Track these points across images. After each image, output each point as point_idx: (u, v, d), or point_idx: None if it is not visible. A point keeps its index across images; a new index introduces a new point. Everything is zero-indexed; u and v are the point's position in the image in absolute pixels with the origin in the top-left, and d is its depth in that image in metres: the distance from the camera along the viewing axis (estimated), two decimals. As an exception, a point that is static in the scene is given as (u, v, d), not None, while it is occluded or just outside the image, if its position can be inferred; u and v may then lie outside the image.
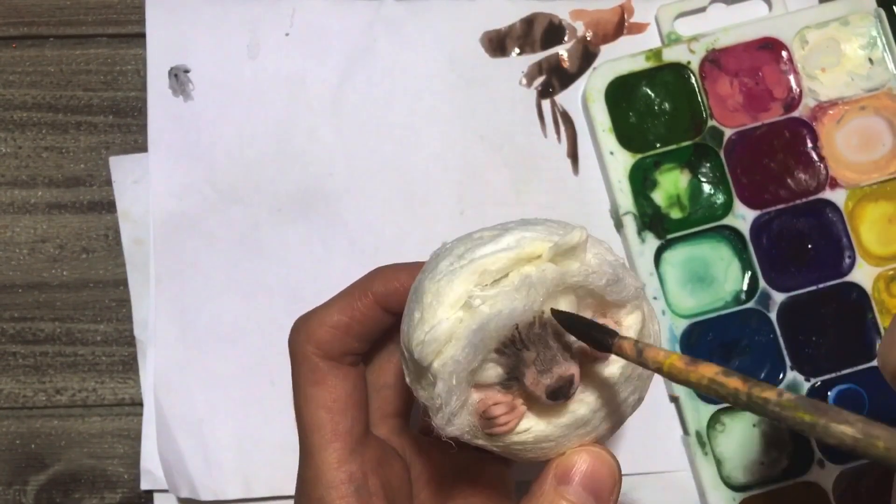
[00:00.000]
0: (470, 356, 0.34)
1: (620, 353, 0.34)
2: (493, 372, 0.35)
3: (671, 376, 0.32)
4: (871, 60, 0.58)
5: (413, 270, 0.41)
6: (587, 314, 0.36)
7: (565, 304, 0.35)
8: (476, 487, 0.46)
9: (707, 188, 0.57)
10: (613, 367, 0.37)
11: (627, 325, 0.37)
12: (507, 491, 0.47)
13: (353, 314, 0.43)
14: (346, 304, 0.43)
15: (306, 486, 0.42)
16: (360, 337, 0.43)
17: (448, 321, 0.34)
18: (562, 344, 0.35)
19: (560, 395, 0.35)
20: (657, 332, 0.39)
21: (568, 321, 0.34)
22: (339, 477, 0.41)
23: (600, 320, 0.36)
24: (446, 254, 0.37)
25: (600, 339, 0.34)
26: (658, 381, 0.56)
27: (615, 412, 0.38)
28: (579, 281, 0.35)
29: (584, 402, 0.37)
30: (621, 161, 0.57)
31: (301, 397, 0.43)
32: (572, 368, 0.35)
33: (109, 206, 0.58)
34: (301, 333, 0.43)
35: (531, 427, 0.37)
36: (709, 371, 0.30)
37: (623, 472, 0.55)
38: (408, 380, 0.38)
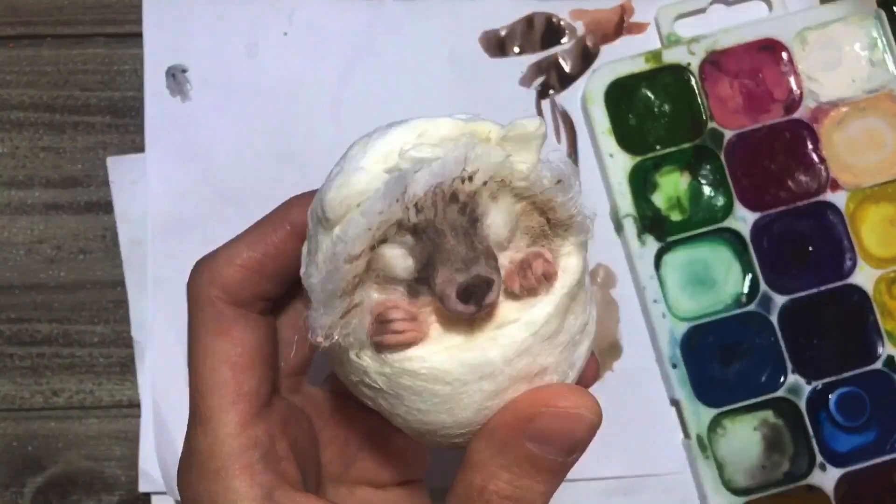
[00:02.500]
0: (382, 207, 0.29)
1: None
2: (403, 262, 0.30)
3: None
4: (871, 61, 0.58)
5: None
6: (523, 241, 0.32)
7: (505, 211, 0.30)
8: (385, 457, 0.40)
9: (707, 190, 0.57)
10: (539, 309, 0.31)
11: (564, 266, 0.32)
12: (419, 465, 0.42)
13: (267, 249, 0.36)
14: (258, 238, 0.37)
15: (200, 456, 0.35)
16: (274, 277, 0.37)
17: (368, 172, 0.30)
18: (489, 252, 0.30)
19: (472, 298, 0.29)
20: (594, 318, 0.34)
21: None
22: (242, 443, 0.35)
23: (534, 250, 0.31)
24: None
25: None
26: (659, 384, 0.56)
27: (529, 379, 0.32)
28: (525, 180, 0.30)
29: (496, 343, 0.31)
30: (621, 163, 0.56)
31: (199, 350, 0.36)
32: (495, 277, 0.30)
33: (107, 207, 0.58)
34: (203, 274, 0.37)
35: (429, 355, 0.31)
36: None
37: (623, 475, 0.56)
38: (302, 269, 0.32)
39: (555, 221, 0.31)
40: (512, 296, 0.31)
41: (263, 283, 0.37)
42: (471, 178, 0.29)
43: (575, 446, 0.32)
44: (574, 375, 0.33)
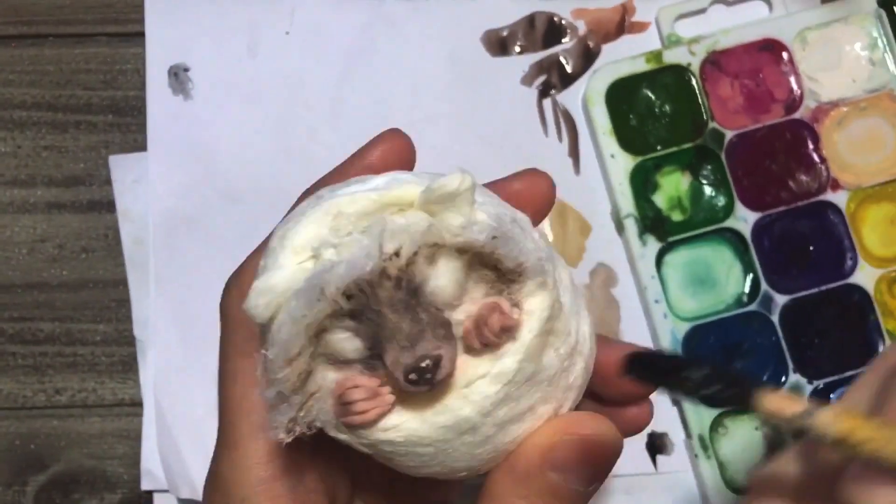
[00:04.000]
0: (304, 311, 0.27)
1: (768, 411, 0.25)
2: (351, 345, 0.29)
3: (862, 449, 0.23)
4: (872, 61, 0.58)
5: (343, 168, 0.35)
6: (479, 291, 0.30)
7: (447, 270, 0.29)
8: (413, 488, 0.38)
9: (708, 190, 0.57)
10: (508, 359, 0.29)
11: (529, 309, 0.30)
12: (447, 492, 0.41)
13: None
14: None
15: (225, 483, 0.34)
16: None
17: (288, 269, 0.28)
18: (437, 319, 0.28)
19: (421, 379, 0.27)
20: (585, 335, 0.32)
21: (653, 367, 0.28)
22: (271, 473, 0.33)
23: (491, 300, 0.29)
24: (312, 196, 0.30)
25: (741, 390, 0.26)
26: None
27: (520, 420, 0.30)
28: (459, 239, 0.28)
29: (468, 400, 0.29)
30: (622, 164, 0.57)
31: (229, 372, 0.35)
32: (444, 349, 0.28)
33: (109, 206, 0.58)
34: (233, 293, 0.35)
35: (401, 424, 0.30)
36: None
37: (625, 473, 0.56)
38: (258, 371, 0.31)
39: (505, 271, 0.29)
40: (474, 353, 0.30)
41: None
42: (397, 254, 0.27)
43: (596, 475, 0.31)
44: (574, 396, 0.32)
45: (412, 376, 0.27)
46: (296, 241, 0.28)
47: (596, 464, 0.31)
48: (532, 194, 0.34)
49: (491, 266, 0.29)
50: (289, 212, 0.31)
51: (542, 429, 0.31)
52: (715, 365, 0.25)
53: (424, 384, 0.28)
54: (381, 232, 0.27)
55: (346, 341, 0.28)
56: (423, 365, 0.27)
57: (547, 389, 0.30)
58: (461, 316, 0.29)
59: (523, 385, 0.30)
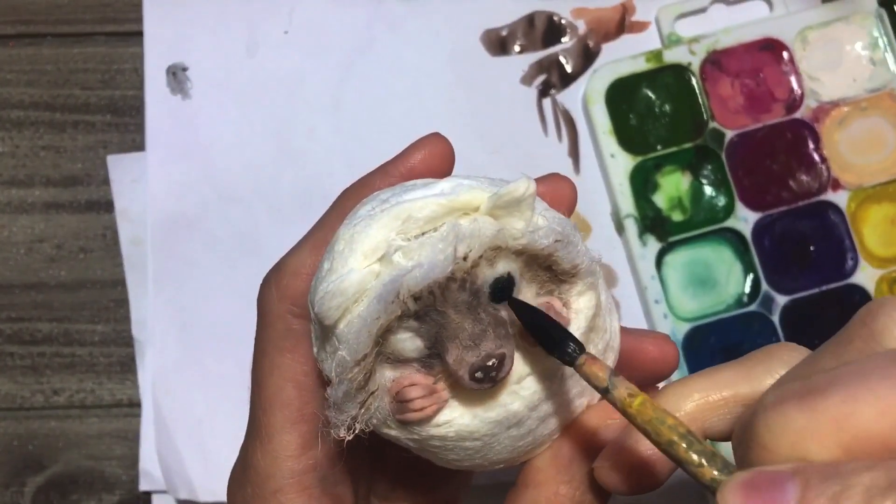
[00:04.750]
0: (378, 313, 0.28)
1: (583, 375, 0.28)
2: (412, 344, 0.30)
3: (638, 419, 0.27)
4: (872, 61, 0.58)
5: (387, 168, 0.35)
6: (531, 290, 0.31)
7: (502, 274, 0.30)
8: (424, 480, 0.39)
9: (708, 190, 0.57)
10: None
11: (577, 308, 0.31)
12: (459, 486, 0.41)
13: None
14: (321, 241, 0.34)
15: (257, 475, 0.35)
16: None
17: (359, 272, 0.29)
18: (496, 319, 0.29)
19: (486, 377, 0.29)
20: (615, 331, 0.34)
21: (527, 316, 0.29)
22: (303, 466, 0.34)
23: (544, 299, 0.31)
24: (371, 199, 0.31)
25: (563, 349, 0.29)
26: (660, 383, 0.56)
27: (558, 412, 0.32)
28: (521, 242, 0.29)
29: (518, 396, 0.31)
30: (622, 164, 0.56)
31: (265, 365, 0.35)
32: (505, 347, 0.29)
33: (107, 206, 0.58)
34: (272, 288, 0.35)
35: (453, 419, 0.31)
36: (682, 425, 0.27)
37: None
38: (314, 349, 0.32)
39: (559, 272, 0.31)
40: (526, 348, 0.31)
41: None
42: (465, 258, 0.28)
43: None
44: None
45: (478, 374, 0.29)
46: (365, 245, 0.29)
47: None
48: (559, 197, 0.35)
49: (545, 267, 0.30)
50: (348, 215, 0.31)
51: (584, 418, 0.33)
52: (556, 330, 0.29)
53: (489, 382, 0.29)
54: (456, 236, 0.28)
55: (408, 341, 0.29)
56: (490, 364, 0.29)
57: (584, 384, 0.31)
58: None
59: (566, 381, 0.31)
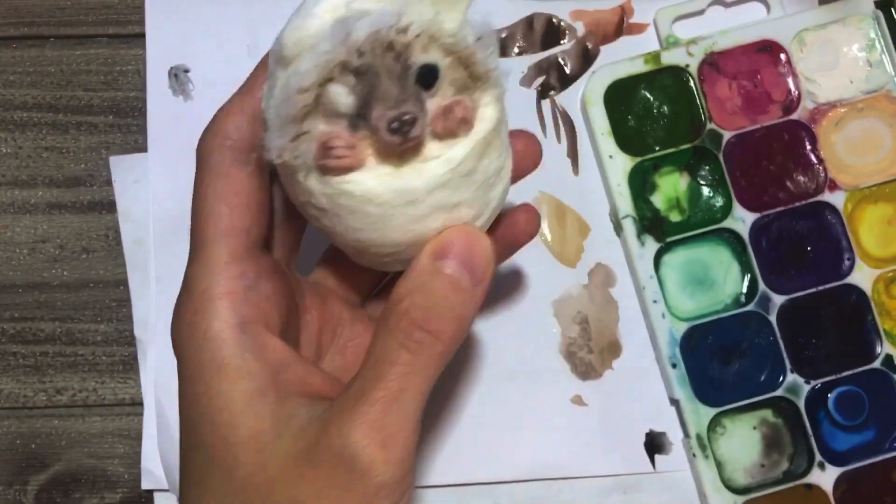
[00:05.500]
0: (328, 49, 0.33)
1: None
2: (346, 99, 0.34)
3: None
4: (869, 62, 0.58)
5: None
6: (450, 90, 0.36)
7: (430, 61, 0.35)
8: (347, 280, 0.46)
9: (706, 191, 0.57)
10: (458, 149, 0.36)
11: (482, 116, 0.36)
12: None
13: (261, 94, 0.38)
14: (248, 89, 0.39)
15: (191, 281, 0.38)
16: None
17: (321, 19, 0.34)
18: (418, 96, 0.35)
19: (400, 129, 0.34)
20: (508, 169, 0.39)
21: None
22: (231, 271, 0.37)
23: (457, 97, 0.36)
24: None
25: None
26: (659, 383, 0.56)
27: (449, 209, 0.37)
28: (452, 36, 0.34)
29: (420, 175, 0.36)
30: (620, 164, 0.57)
31: (200, 191, 0.39)
32: (421, 117, 0.34)
33: (110, 206, 0.58)
34: (208, 133, 0.39)
35: (363, 180, 0.35)
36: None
37: (623, 472, 0.56)
38: (263, 102, 0.36)
39: (475, 74, 0.36)
40: (436, 137, 0.36)
41: (259, 128, 0.38)
42: (405, 31, 0.33)
43: (477, 270, 0.37)
44: (489, 214, 0.39)
45: (394, 125, 0.34)
46: (331, 1, 0.34)
47: (476, 256, 0.37)
48: (528, 153, 0.44)
49: (465, 67, 0.35)
50: None
51: (439, 236, 0.37)
52: None
53: (401, 136, 0.34)
54: (405, 1, 0.34)
55: (342, 95, 0.34)
56: (406, 118, 0.34)
57: (474, 194, 0.37)
58: (431, 106, 0.36)
59: (462, 178, 0.36)
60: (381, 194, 0.35)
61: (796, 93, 0.58)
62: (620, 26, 0.59)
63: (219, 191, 0.38)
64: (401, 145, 0.35)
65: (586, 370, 0.57)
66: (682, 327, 0.56)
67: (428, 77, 0.35)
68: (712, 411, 0.55)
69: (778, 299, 0.56)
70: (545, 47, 0.59)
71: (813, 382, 0.56)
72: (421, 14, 0.34)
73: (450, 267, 0.36)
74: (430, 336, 0.36)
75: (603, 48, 0.59)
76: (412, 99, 0.34)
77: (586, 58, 0.59)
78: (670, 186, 0.57)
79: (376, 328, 0.37)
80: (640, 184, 0.57)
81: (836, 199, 0.57)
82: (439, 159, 0.36)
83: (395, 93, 0.34)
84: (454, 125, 0.36)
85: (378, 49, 0.33)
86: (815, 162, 0.57)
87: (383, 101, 0.34)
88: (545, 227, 0.57)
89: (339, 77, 0.34)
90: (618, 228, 0.57)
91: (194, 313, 0.37)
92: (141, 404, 0.57)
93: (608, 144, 0.57)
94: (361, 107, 0.34)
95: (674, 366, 0.55)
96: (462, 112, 0.36)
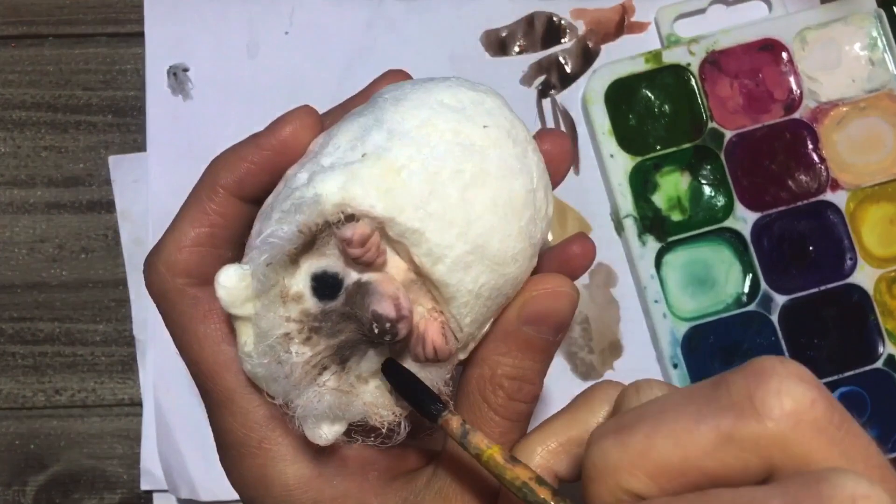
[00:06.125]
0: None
1: (446, 429, 0.31)
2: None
3: (488, 468, 0.30)
4: (871, 61, 0.58)
5: (259, 141, 0.36)
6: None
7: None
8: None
9: (708, 190, 0.57)
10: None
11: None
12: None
13: (212, 220, 0.35)
14: (198, 213, 0.35)
15: (234, 435, 0.35)
16: (228, 242, 0.36)
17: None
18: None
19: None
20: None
21: (397, 379, 0.32)
22: (267, 412, 0.35)
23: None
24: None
25: (428, 408, 0.32)
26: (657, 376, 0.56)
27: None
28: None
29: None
30: (621, 164, 0.57)
31: (192, 340, 0.35)
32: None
33: (108, 206, 0.58)
34: (158, 269, 0.35)
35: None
36: (524, 474, 0.29)
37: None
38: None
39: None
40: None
41: (222, 251, 0.36)
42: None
43: (561, 323, 0.35)
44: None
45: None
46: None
47: (559, 314, 0.34)
48: (558, 153, 0.38)
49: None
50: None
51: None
52: (424, 396, 0.32)
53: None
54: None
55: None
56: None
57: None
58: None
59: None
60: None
61: (798, 92, 0.58)
62: (621, 25, 0.59)
63: (214, 334, 0.35)
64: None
65: (587, 370, 0.57)
66: (684, 327, 0.56)
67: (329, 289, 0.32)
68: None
69: (780, 299, 0.56)
70: (546, 46, 0.59)
71: (815, 382, 0.56)
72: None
73: (534, 331, 0.35)
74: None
75: (604, 47, 0.59)
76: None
77: (587, 56, 0.59)
78: (671, 186, 0.57)
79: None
80: (641, 183, 0.57)
81: (838, 198, 0.57)
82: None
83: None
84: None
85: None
86: (817, 161, 0.57)
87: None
88: (546, 226, 0.57)
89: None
90: (619, 228, 0.57)
91: (250, 469, 0.35)
92: (140, 405, 0.57)
93: (609, 144, 0.57)
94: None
95: (675, 366, 0.55)
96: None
